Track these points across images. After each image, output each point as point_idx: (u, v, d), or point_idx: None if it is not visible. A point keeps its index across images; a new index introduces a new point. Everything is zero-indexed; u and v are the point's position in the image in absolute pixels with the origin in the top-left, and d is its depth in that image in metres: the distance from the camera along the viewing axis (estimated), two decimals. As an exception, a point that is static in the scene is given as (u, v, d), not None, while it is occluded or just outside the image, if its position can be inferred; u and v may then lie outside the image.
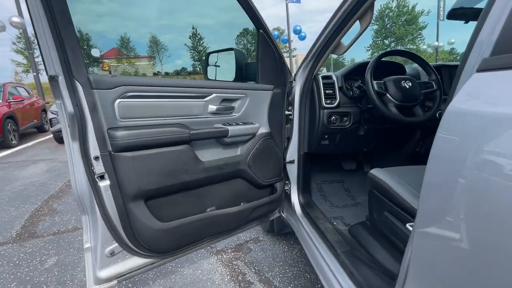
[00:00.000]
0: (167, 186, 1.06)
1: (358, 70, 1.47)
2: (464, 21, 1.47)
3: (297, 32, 16.61)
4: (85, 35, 28.92)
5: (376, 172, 1.10)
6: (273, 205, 1.47)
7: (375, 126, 1.49)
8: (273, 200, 1.43)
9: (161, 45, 34.41)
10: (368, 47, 35.99)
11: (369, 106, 1.38)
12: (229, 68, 1.48)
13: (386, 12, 32.84)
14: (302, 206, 1.58)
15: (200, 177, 1.14)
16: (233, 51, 1.42)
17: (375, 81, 1.26)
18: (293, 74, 1.55)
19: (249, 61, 1.50)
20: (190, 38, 34.46)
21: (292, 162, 1.61)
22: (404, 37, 32.22)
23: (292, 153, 1.60)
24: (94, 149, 0.90)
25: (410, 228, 0.64)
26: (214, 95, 1.16)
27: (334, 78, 1.45)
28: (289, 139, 1.61)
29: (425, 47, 29.48)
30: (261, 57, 1.33)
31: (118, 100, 0.92)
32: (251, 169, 1.33)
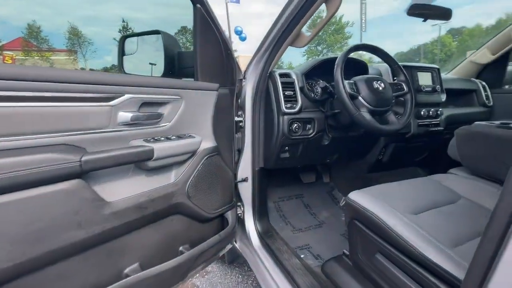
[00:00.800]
0: (40, 256, 0.60)
1: (319, 68, 1.24)
2: (423, 19, 1.40)
3: (238, 33, 16.48)
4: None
5: (357, 197, 0.86)
6: (224, 243, 1.12)
7: (340, 134, 1.28)
8: (224, 237, 1.08)
9: (84, 38, 29.98)
10: (304, 52, 38.53)
11: (335, 111, 1.15)
12: (156, 59, 1.06)
13: (318, 21, 35.56)
14: (260, 235, 1.27)
15: (108, 227, 0.71)
16: (160, 35, 1.01)
17: (346, 81, 1.03)
18: (242, 71, 1.24)
19: (184, 50, 1.12)
20: (120, 32, 31.02)
21: (245, 180, 1.29)
22: (334, 44, 35.58)
23: (245, 169, 1.28)
24: None
25: None
26: (127, 96, 0.75)
27: (294, 76, 1.18)
28: (240, 151, 1.28)
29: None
30: (200, 44, 0.97)
31: None
32: (192, 200, 0.95)
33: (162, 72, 1.03)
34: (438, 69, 1.51)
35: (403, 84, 1.13)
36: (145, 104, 0.81)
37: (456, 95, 1.66)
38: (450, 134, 1.55)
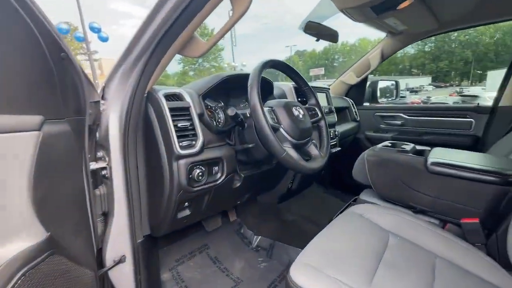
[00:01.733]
0: None
1: (220, 86, 0.93)
2: (316, 39, 1.36)
3: (95, 30, 13.67)
4: None
5: (300, 278, 0.61)
6: None
7: (253, 170, 1.02)
8: None
9: None
10: (179, 60, 37.50)
11: (249, 145, 0.87)
12: None
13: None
14: None
15: None
16: None
17: (265, 108, 0.77)
18: (99, 88, 0.76)
19: None
20: None
21: (120, 261, 0.80)
22: (209, 55, 36.74)
23: (119, 242, 0.80)
24: None
25: None
26: None
27: (189, 99, 0.81)
28: (106, 216, 0.79)
29: (225, 65, 35.62)
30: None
31: None
32: None
33: None
34: (329, 89, 1.55)
35: (316, 109, 1.00)
36: None
37: (336, 112, 1.79)
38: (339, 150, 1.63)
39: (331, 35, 1.31)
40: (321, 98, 1.43)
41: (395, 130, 1.92)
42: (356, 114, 1.96)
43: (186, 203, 0.84)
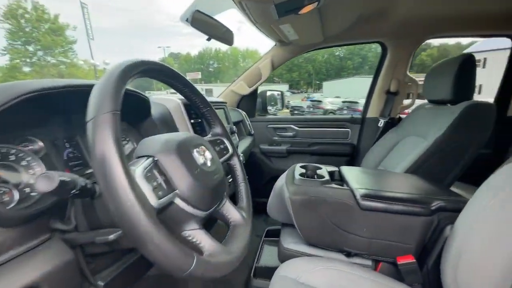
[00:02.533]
0: None
1: (37, 106, 0.42)
2: (207, 38, 1.02)
3: None
4: None
5: None
6: None
7: (123, 262, 0.55)
8: None
9: None
10: (3, 49, 27.28)
11: (109, 238, 0.42)
12: None
13: (20, 12, 26.69)
14: None
15: None
16: None
17: (140, 165, 0.36)
18: None
19: None
20: None
21: None
22: (53, 47, 28.77)
23: None
24: None
25: None
26: None
27: None
28: None
29: (81, 62, 28.91)
30: None
31: None
32: None
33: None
34: (226, 104, 1.25)
35: (224, 141, 0.67)
36: None
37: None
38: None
39: (225, 37, 1.02)
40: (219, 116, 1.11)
41: (288, 142, 1.88)
42: (250, 127, 1.79)
43: None
